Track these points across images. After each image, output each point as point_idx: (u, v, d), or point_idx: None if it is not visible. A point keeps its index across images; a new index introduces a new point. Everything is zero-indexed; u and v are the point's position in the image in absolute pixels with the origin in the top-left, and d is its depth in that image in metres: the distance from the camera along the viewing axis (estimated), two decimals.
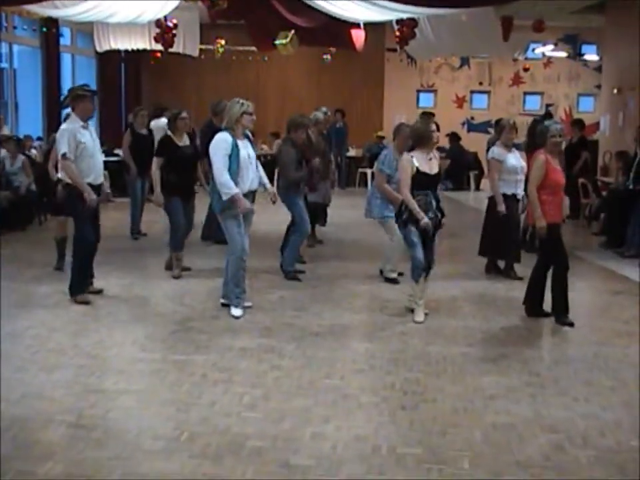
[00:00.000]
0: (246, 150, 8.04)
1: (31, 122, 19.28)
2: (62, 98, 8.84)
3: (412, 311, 8.16)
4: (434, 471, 4.62)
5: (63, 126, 8.57)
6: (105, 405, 5.61)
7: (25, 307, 8.39)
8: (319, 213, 12.32)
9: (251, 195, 8.15)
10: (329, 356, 6.85)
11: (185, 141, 10.08)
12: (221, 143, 7.94)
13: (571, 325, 7.89)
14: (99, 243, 8.90)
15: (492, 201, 10.05)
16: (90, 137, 8.53)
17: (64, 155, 8.35)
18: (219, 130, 8.20)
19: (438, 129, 8.34)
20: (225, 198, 7.91)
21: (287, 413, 5.49)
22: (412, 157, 7.98)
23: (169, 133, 10.06)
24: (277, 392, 5.94)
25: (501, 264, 10.34)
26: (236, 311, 8.13)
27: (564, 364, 6.79)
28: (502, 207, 9.76)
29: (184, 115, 10.06)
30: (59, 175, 8.70)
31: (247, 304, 8.32)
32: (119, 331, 7.66)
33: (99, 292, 8.93)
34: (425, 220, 7.83)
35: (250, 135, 8.30)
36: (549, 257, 8.01)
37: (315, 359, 6.76)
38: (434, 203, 8.03)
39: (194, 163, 10.14)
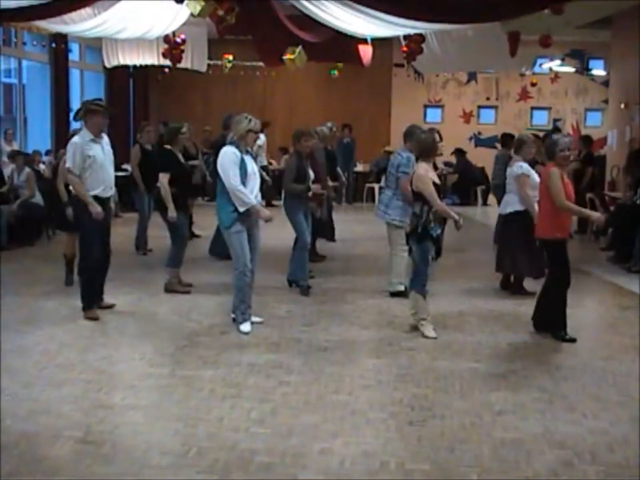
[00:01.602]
0: (251, 165, 8.08)
1: (39, 137, 19.37)
2: (75, 111, 8.85)
3: (416, 328, 8.15)
4: None
5: (73, 139, 8.61)
6: (113, 421, 5.61)
7: (33, 322, 8.40)
8: (319, 228, 12.26)
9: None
10: (337, 371, 6.84)
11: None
12: (230, 155, 7.98)
13: (573, 340, 7.88)
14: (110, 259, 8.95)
15: (512, 216, 9.96)
16: (101, 150, 8.56)
17: (68, 169, 8.47)
18: None
19: (441, 139, 8.38)
20: (241, 209, 7.93)
21: (295, 428, 5.49)
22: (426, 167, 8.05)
23: (169, 147, 10.08)
24: (285, 407, 5.94)
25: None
26: (244, 327, 8.13)
27: (572, 379, 6.78)
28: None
29: (184, 129, 10.07)
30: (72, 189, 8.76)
31: (256, 319, 8.32)
32: (126, 346, 7.68)
33: (111, 307, 8.94)
34: (457, 219, 7.90)
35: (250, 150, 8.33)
36: (564, 271, 7.99)
37: (322, 374, 6.76)
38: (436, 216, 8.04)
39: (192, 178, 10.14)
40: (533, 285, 9.67)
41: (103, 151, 8.60)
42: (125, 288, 10.01)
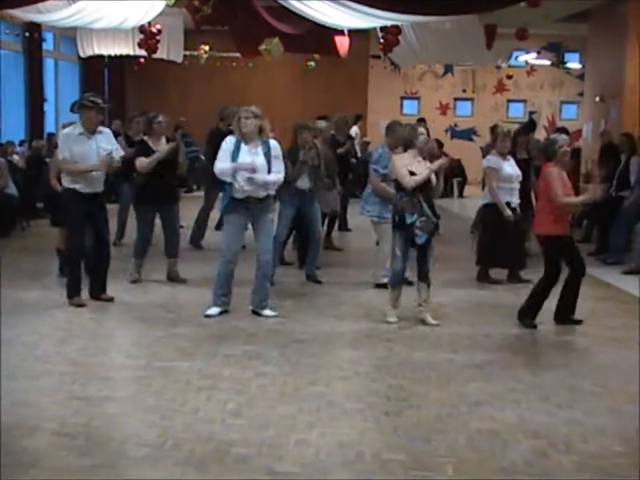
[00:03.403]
0: (251, 157, 8.08)
1: (13, 127, 19.20)
2: (72, 103, 8.79)
3: (423, 321, 8.18)
4: (418, 477, 4.63)
5: (64, 131, 8.72)
6: (89, 412, 5.58)
7: (15, 313, 8.31)
8: (329, 222, 12.75)
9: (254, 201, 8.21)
10: (314, 363, 6.84)
11: (161, 145, 9.89)
12: (223, 143, 8.19)
13: (534, 327, 8.04)
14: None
15: (488, 209, 10.07)
16: (89, 146, 8.52)
17: (63, 160, 8.54)
18: (225, 134, 8.31)
19: (428, 134, 8.41)
20: (228, 180, 8.05)
21: (272, 419, 5.48)
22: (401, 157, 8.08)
23: (144, 137, 10.04)
24: (261, 399, 5.93)
25: (495, 272, 10.33)
26: (210, 310, 8.26)
27: (547, 370, 6.82)
28: (507, 213, 9.77)
29: (160, 118, 9.97)
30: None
31: (268, 312, 8.38)
32: (103, 338, 7.66)
33: (111, 300, 8.92)
34: (414, 179, 7.91)
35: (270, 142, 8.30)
36: (556, 270, 8.07)
37: (299, 365, 6.75)
38: (424, 206, 8.02)
39: (171, 169, 9.96)
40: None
41: (91, 147, 8.54)
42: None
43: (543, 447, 5.07)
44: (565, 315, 8.18)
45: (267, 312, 8.35)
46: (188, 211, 12.19)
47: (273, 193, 8.36)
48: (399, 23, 14.44)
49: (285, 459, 4.84)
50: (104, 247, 8.92)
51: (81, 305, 8.58)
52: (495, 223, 9.89)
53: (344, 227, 14.72)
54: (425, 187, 8.05)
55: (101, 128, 8.75)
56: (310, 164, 9.99)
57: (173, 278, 10.01)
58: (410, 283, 9.06)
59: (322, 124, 12.11)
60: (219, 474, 4.63)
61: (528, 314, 8.10)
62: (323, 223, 11.22)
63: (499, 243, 9.82)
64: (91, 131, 8.55)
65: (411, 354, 7.15)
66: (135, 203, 10.10)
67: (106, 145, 8.63)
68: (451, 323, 8.28)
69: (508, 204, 9.85)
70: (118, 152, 8.74)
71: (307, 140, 10.00)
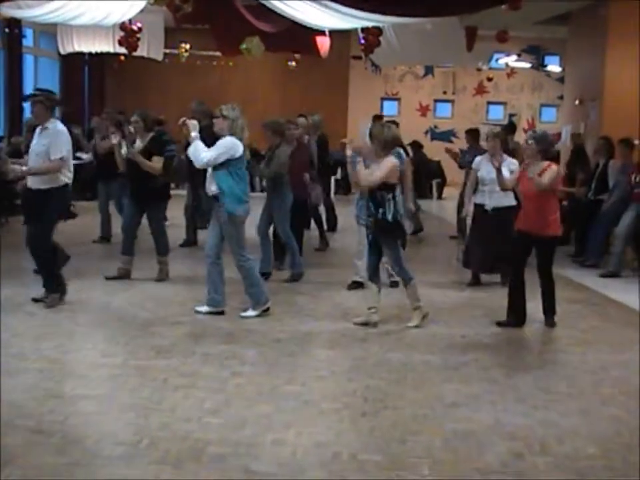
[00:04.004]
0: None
1: None
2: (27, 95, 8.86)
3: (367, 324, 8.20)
4: (394, 478, 4.64)
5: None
6: (64, 411, 5.56)
7: None
8: (317, 223, 12.99)
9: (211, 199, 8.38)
10: (290, 362, 6.85)
11: (137, 145, 9.87)
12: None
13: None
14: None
15: (476, 212, 10.17)
16: (34, 140, 8.52)
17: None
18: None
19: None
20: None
21: (249, 419, 5.48)
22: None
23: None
24: (238, 398, 5.92)
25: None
26: (200, 307, 8.39)
27: (523, 371, 6.86)
28: (464, 211, 9.87)
29: (134, 118, 9.95)
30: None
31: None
32: (79, 335, 7.64)
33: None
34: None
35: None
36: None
37: (276, 365, 6.75)
38: (371, 205, 8.00)
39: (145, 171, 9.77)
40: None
41: (33, 141, 8.53)
42: (79, 277, 9.89)
43: (518, 448, 5.09)
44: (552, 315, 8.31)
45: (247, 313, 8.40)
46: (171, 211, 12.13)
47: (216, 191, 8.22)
48: (380, 24, 14.46)
49: (262, 459, 4.84)
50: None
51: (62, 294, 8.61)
52: (482, 227, 9.95)
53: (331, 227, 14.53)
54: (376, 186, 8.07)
55: (48, 124, 8.44)
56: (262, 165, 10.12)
57: (161, 277, 10.03)
58: (393, 284, 9.13)
59: (302, 121, 12.14)
60: (196, 473, 4.62)
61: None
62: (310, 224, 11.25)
63: (484, 247, 9.88)
64: (39, 125, 8.52)
65: (387, 354, 7.16)
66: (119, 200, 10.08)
67: (42, 142, 8.43)
68: (427, 324, 8.28)
69: (482, 206, 9.91)
70: (53, 152, 8.36)
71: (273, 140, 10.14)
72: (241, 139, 8.08)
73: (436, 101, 25.90)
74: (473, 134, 13.21)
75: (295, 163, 10.28)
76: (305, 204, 10.96)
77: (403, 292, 8.35)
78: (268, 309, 8.40)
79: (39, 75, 21.25)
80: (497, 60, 23.59)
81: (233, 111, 8.11)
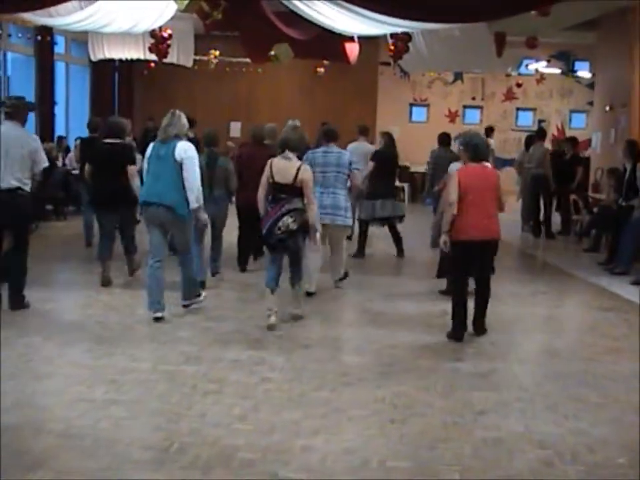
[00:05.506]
0: None
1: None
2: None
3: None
4: None
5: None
6: (94, 415, 5.58)
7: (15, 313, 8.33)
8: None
9: None
10: (319, 368, 6.85)
11: None
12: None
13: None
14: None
15: None
16: None
17: None
18: None
19: None
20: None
21: (277, 425, 5.49)
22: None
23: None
24: (267, 404, 5.93)
25: None
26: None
27: (553, 379, 6.81)
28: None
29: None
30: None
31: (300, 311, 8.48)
32: (108, 340, 7.66)
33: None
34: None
35: None
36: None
37: (304, 371, 6.75)
38: (283, 210, 7.98)
39: (119, 170, 9.85)
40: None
41: None
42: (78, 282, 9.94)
43: (549, 457, 5.07)
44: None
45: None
46: None
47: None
48: (409, 30, 14.44)
49: (291, 465, 4.85)
50: None
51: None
52: None
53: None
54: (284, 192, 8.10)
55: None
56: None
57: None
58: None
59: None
60: (224, 478, 4.63)
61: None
62: None
63: None
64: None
65: (416, 361, 7.15)
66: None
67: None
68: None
69: None
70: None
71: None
72: None
73: (465, 107, 25.78)
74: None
75: None
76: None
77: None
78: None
79: (70, 81, 21.43)
80: (526, 66, 23.46)
81: None
